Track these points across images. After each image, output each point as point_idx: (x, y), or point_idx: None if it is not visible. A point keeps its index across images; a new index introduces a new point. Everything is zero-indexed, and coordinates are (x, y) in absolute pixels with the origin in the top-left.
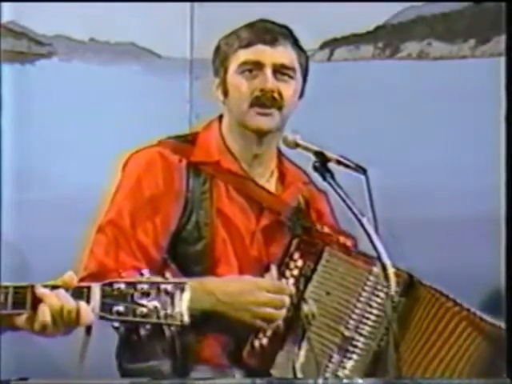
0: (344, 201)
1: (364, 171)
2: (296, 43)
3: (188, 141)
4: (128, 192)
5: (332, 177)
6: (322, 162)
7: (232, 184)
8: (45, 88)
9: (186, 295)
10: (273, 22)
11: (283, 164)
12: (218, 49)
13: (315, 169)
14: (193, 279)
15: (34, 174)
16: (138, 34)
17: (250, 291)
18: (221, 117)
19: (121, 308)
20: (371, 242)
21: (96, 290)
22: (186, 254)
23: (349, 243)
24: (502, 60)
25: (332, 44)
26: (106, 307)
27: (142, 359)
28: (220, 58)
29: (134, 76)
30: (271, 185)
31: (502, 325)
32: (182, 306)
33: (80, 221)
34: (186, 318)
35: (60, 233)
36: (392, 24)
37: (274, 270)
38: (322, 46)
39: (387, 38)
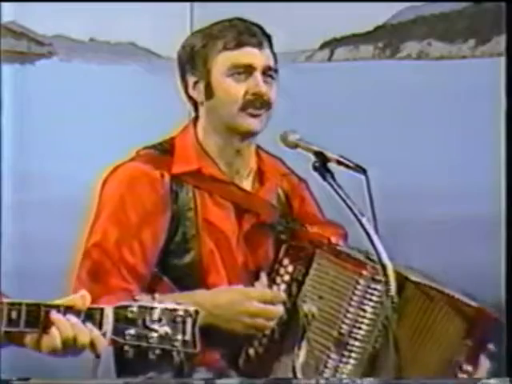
0: (344, 201)
1: (364, 171)
2: (271, 44)
3: (166, 150)
4: (111, 212)
5: (332, 177)
6: (322, 162)
7: (215, 190)
8: (45, 88)
9: (198, 322)
10: (251, 22)
11: (261, 159)
12: (191, 47)
13: (315, 169)
14: (182, 293)
15: (34, 175)
16: (138, 34)
17: (239, 302)
18: (195, 119)
19: (132, 332)
20: (371, 242)
21: (109, 312)
22: (176, 267)
23: (339, 240)
24: (502, 60)
25: (332, 44)
26: (118, 331)
27: (141, 371)
28: (200, 58)
29: (134, 76)
30: (248, 182)
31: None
32: (194, 332)
33: (80, 221)
34: (197, 346)
35: (60, 233)
36: (392, 24)
37: (264, 277)
38: (322, 46)
39: (387, 38)
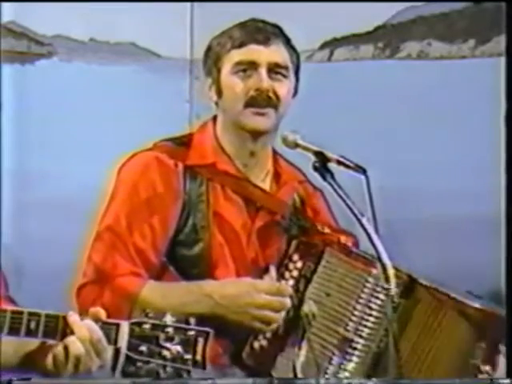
0: (344, 201)
1: (364, 171)
2: (288, 42)
3: (183, 143)
4: (125, 197)
5: (332, 177)
6: (322, 162)
7: (228, 185)
8: (45, 88)
9: (209, 343)
10: (264, 21)
11: (278, 163)
12: (209, 49)
13: (315, 169)
14: (191, 282)
15: (34, 175)
16: (138, 34)
17: (247, 293)
18: (215, 117)
19: (146, 348)
20: (371, 242)
21: (125, 328)
22: (184, 257)
23: (349, 243)
24: (502, 60)
25: (332, 44)
26: (132, 346)
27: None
28: (212, 58)
29: (134, 76)
30: (266, 184)
31: (502, 312)
32: (204, 353)
33: (80, 221)
34: (206, 366)
35: (60, 233)
36: (392, 24)
37: (273, 271)
38: (322, 46)
39: (387, 38)
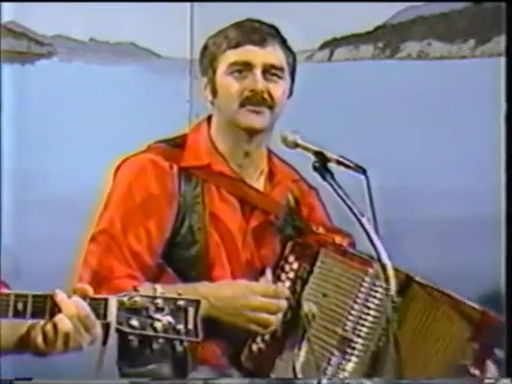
0: (344, 201)
1: (364, 171)
2: (284, 43)
3: (178, 144)
4: (120, 200)
5: (332, 177)
6: (322, 162)
7: (223, 186)
8: (45, 88)
9: (200, 312)
10: (260, 22)
11: (273, 163)
12: (205, 48)
13: (315, 169)
14: (186, 284)
15: (34, 174)
16: (138, 34)
17: (243, 296)
18: (209, 118)
19: (136, 322)
20: (371, 242)
21: (113, 302)
22: (181, 259)
23: (345, 243)
24: (502, 60)
25: (332, 44)
26: (121, 320)
27: (142, 363)
28: (208, 58)
29: (134, 76)
30: (260, 184)
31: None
32: (196, 321)
33: (79, 221)
34: (199, 335)
35: (60, 233)
36: (392, 24)
37: (269, 273)
38: (322, 46)
39: (387, 38)
